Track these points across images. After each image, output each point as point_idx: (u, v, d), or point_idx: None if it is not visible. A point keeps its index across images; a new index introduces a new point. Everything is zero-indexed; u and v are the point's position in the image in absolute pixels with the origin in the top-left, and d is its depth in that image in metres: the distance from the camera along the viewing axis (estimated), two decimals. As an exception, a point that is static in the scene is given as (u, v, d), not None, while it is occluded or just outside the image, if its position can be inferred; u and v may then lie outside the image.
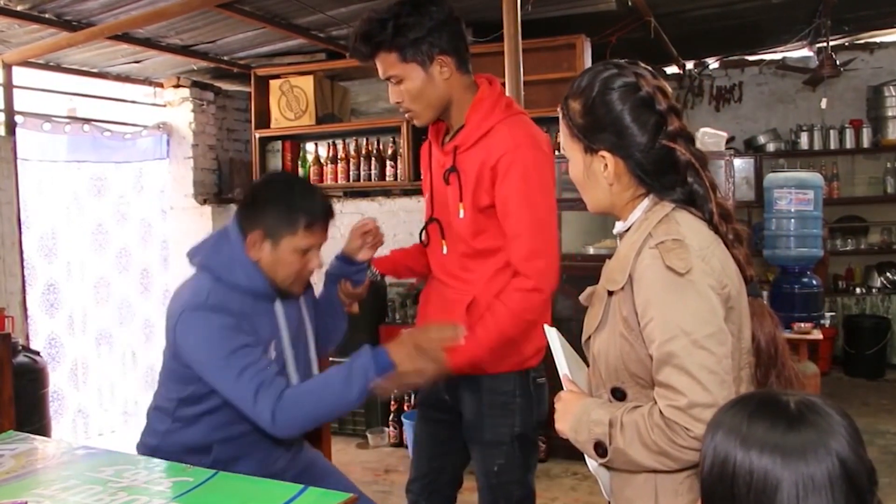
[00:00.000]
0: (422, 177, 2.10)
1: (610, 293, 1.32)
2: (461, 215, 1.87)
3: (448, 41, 1.83)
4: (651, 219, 1.31)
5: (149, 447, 1.91)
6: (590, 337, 1.39)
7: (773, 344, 1.34)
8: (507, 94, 3.03)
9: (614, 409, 1.29)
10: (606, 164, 1.34)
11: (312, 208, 1.83)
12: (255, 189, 1.94)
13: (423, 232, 2.03)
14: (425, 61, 1.82)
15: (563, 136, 1.41)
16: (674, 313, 1.22)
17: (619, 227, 1.41)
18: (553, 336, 1.46)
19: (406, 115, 1.91)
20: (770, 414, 0.93)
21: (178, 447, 1.86)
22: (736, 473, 0.91)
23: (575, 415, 1.34)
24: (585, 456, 1.37)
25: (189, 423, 1.86)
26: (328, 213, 1.87)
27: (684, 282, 1.22)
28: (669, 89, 1.36)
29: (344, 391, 1.67)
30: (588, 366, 1.46)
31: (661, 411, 1.22)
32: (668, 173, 1.33)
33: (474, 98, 1.88)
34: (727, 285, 1.27)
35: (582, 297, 1.45)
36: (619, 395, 1.34)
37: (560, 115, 1.41)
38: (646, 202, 1.35)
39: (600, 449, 1.30)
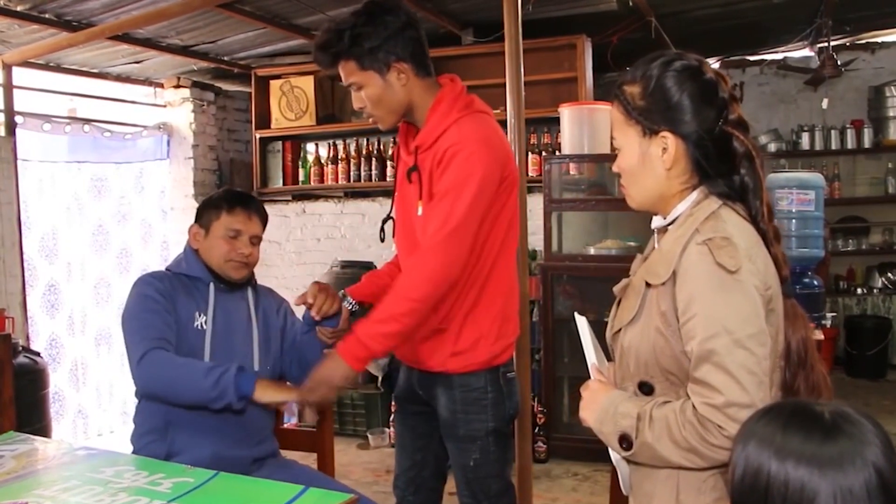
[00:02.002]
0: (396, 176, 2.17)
1: (648, 286, 1.31)
2: (419, 212, 1.91)
3: (404, 48, 1.88)
4: (697, 215, 1.29)
5: (133, 434, 2.10)
6: (619, 330, 1.37)
7: (804, 346, 1.32)
8: (507, 94, 3.03)
9: (643, 403, 1.28)
10: (666, 148, 1.32)
11: (230, 196, 2.17)
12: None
13: (382, 229, 2.08)
14: (382, 69, 1.87)
15: (617, 124, 1.38)
16: (718, 311, 1.21)
17: (657, 221, 1.40)
18: (583, 325, 1.46)
19: (370, 120, 1.98)
20: (805, 424, 0.92)
21: (144, 427, 2.06)
22: (770, 484, 0.90)
23: (602, 406, 1.33)
24: (609, 448, 1.35)
25: (149, 403, 2.04)
26: (247, 200, 2.16)
27: (732, 280, 1.21)
28: (728, 80, 1.35)
29: (202, 386, 1.90)
30: (609, 359, 1.46)
31: (694, 408, 1.20)
32: (724, 162, 1.31)
33: (438, 96, 1.92)
34: (770, 286, 1.26)
35: (616, 289, 1.44)
36: (646, 389, 1.32)
37: (613, 106, 1.38)
38: (693, 195, 1.33)
39: (625, 442, 1.28)
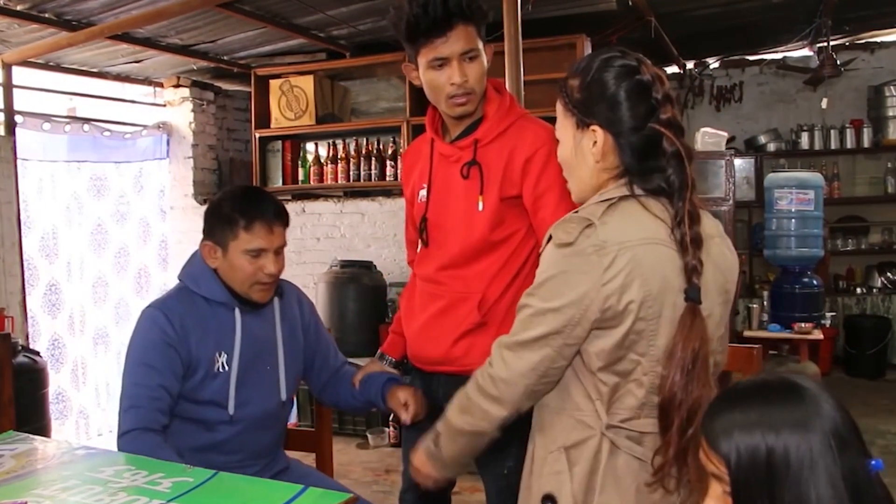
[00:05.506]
0: (405, 177, 2.05)
1: None
2: (480, 208, 1.83)
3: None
4: (595, 199, 1.35)
5: None
6: None
7: (693, 358, 1.26)
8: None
9: None
10: (596, 141, 1.35)
11: (248, 210, 1.85)
12: (210, 202, 1.99)
13: (423, 230, 1.94)
14: (485, 44, 1.82)
15: (558, 115, 1.43)
16: (543, 275, 1.32)
17: None
18: None
19: (461, 100, 1.81)
20: (781, 394, 0.98)
21: None
22: (772, 459, 0.94)
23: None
24: None
25: (167, 427, 1.89)
26: (269, 213, 1.87)
27: (563, 253, 1.29)
28: (667, 80, 1.38)
29: None
30: None
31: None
32: (652, 158, 1.34)
33: (488, 94, 1.87)
34: (609, 282, 1.26)
35: None
36: None
37: (558, 95, 1.43)
38: (610, 185, 1.37)
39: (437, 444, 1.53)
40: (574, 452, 1.35)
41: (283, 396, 1.99)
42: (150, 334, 1.85)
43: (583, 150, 1.38)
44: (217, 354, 1.87)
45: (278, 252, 1.90)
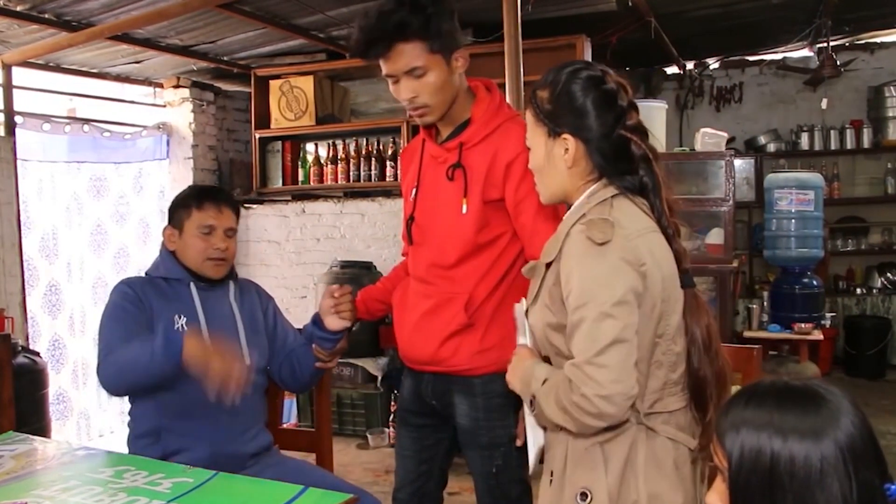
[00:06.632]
0: (402, 176, 2.08)
1: (547, 267, 1.43)
2: (464, 211, 1.84)
3: (461, 35, 1.82)
4: (591, 201, 1.42)
5: (128, 437, 2.09)
6: (527, 310, 1.51)
7: (708, 334, 1.41)
8: (507, 94, 3.04)
9: (553, 369, 1.41)
10: (567, 148, 1.44)
11: (200, 195, 2.15)
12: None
13: (409, 231, 1.98)
14: (447, 54, 1.77)
15: (529, 124, 1.51)
16: (588, 283, 1.32)
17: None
18: (519, 309, 1.55)
19: (416, 112, 1.84)
20: (796, 400, 0.96)
21: (138, 431, 2.05)
22: (775, 463, 0.93)
23: (525, 368, 1.45)
24: (529, 426, 1.51)
25: (140, 406, 2.05)
26: (219, 196, 2.15)
27: (599, 251, 1.32)
28: (630, 89, 1.48)
29: (148, 362, 1.84)
30: None
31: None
32: (623, 161, 1.43)
33: (478, 95, 1.87)
34: (645, 263, 1.34)
35: (524, 270, 1.56)
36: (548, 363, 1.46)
37: (528, 106, 1.51)
38: (594, 187, 1.45)
39: (533, 403, 1.41)
40: (608, 447, 1.39)
41: (247, 360, 2.08)
42: (112, 300, 2.07)
43: (554, 158, 1.47)
44: (176, 316, 2.05)
45: (228, 234, 2.12)
